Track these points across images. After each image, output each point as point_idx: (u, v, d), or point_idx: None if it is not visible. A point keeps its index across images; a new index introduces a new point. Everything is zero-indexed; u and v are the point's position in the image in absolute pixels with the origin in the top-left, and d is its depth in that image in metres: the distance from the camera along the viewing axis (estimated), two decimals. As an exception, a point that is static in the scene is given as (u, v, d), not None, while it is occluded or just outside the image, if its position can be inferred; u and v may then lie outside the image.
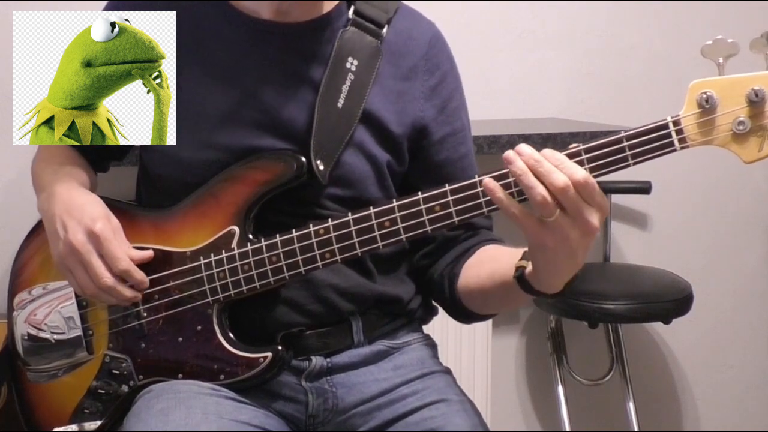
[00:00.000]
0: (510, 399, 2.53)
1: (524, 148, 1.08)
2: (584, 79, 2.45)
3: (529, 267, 1.17)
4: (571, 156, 1.10)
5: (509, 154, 1.08)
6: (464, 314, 1.38)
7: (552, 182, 1.06)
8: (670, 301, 2.22)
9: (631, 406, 2.38)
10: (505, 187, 1.11)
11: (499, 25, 2.37)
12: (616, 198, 2.48)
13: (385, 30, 1.34)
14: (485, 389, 2.21)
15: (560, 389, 2.38)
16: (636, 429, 2.35)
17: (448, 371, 1.39)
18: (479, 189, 1.15)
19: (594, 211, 1.07)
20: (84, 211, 1.26)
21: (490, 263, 1.30)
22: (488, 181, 1.11)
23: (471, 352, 2.18)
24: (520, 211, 1.09)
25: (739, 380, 2.72)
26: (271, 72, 1.30)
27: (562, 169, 1.06)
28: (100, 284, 1.24)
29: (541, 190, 1.06)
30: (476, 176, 1.16)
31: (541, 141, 2.07)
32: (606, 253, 2.47)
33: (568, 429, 2.33)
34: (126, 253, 1.25)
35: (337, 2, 1.34)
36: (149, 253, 1.28)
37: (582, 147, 1.10)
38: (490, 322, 2.20)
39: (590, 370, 2.46)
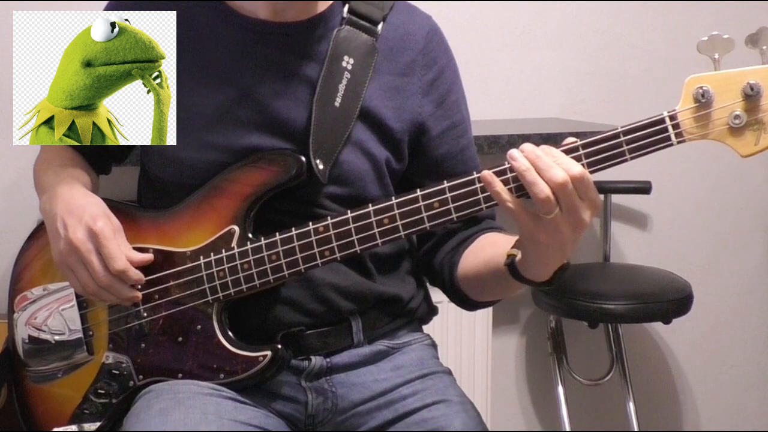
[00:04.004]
0: (510, 399, 2.53)
1: (525, 145, 1.11)
2: (584, 79, 2.45)
3: (519, 255, 1.19)
4: (568, 151, 1.12)
5: (513, 151, 1.11)
6: (465, 301, 1.40)
7: (551, 177, 1.08)
8: (670, 301, 2.22)
9: (631, 406, 2.38)
10: (504, 182, 1.13)
11: (499, 25, 2.37)
12: (616, 198, 2.48)
13: (380, 27, 1.34)
14: (485, 389, 2.21)
15: (560, 389, 2.38)
16: (636, 429, 2.35)
17: (448, 372, 1.39)
18: (477, 185, 1.16)
19: (586, 207, 1.10)
20: (85, 210, 1.26)
21: (487, 250, 1.31)
22: (486, 173, 1.13)
23: (471, 352, 2.18)
24: (517, 205, 1.12)
25: (739, 380, 2.72)
26: (269, 71, 1.30)
27: (560, 165, 1.09)
28: (100, 282, 1.24)
29: (543, 187, 1.08)
30: (475, 172, 1.17)
31: (541, 141, 2.04)
32: (606, 253, 2.47)
33: (568, 429, 2.33)
34: (125, 254, 1.25)
35: (332, 1, 1.34)
36: (149, 256, 1.28)
37: (579, 142, 1.12)
38: (490, 322, 2.20)
39: (590, 370, 2.47)
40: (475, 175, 1.16)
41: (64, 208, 1.27)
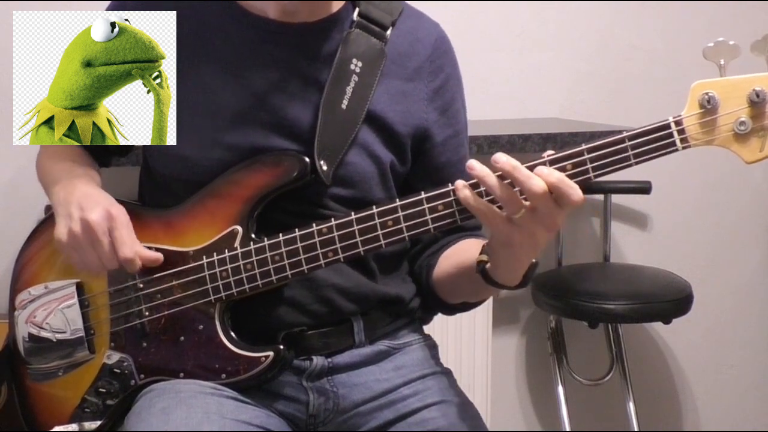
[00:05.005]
0: (510, 399, 2.53)
1: (500, 156, 1.10)
2: (584, 79, 2.46)
3: (490, 262, 1.20)
4: (574, 155, 1.12)
5: (472, 162, 1.12)
6: (439, 304, 1.41)
7: (530, 188, 1.08)
8: (670, 301, 2.22)
9: (631, 406, 2.38)
10: (476, 186, 1.14)
11: (499, 25, 2.37)
12: (616, 198, 2.48)
13: (389, 32, 1.34)
14: (485, 389, 2.21)
15: (560, 389, 2.38)
16: (636, 429, 2.35)
17: (448, 372, 1.39)
18: (482, 189, 1.15)
19: (562, 210, 1.10)
20: (102, 198, 1.28)
21: (460, 254, 1.33)
22: (459, 182, 1.15)
23: (471, 352, 2.18)
24: (488, 208, 1.13)
25: (739, 380, 2.73)
26: (277, 72, 1.30)
27: (538, 174, 1.09)
28: (106, 265, 1.25)
29: (503, 189, 1.09)
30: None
31: (541, 141, 2.07)
32: (606, 253, 2.48)
33: (568, 429, 2.33)
34: (136, 248, 1.26)
35: (343, 3, 1.35)
36: (159, 256, 1.28)
37: (585, 147, 1.12)
38: (490, 322, 2.20)
39: (590, 370, 2.47)
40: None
41: (82, 196, 1.28)
